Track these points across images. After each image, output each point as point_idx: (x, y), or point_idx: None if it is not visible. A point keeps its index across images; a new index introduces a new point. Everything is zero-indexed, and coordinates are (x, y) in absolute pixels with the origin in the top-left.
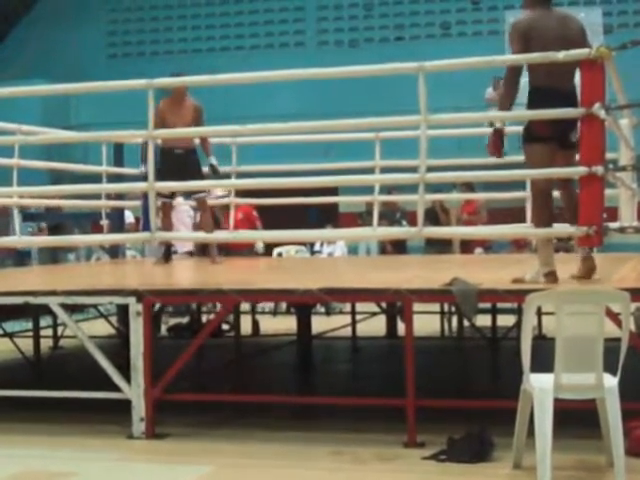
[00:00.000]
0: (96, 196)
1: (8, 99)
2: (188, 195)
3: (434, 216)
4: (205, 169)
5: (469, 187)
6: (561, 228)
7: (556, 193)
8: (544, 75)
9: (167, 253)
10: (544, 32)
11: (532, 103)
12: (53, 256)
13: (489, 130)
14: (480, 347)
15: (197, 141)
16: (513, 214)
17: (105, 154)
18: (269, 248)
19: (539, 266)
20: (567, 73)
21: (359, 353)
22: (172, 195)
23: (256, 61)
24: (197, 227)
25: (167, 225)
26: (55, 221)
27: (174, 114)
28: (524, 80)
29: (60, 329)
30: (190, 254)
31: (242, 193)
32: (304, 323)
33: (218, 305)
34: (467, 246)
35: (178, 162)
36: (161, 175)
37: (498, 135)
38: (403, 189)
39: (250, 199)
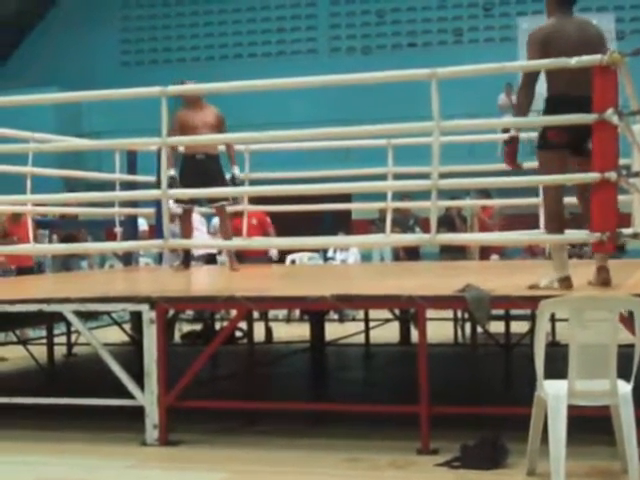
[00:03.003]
0: (109, 204)
1: (21, 107)
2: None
3: (450, 223)
4: (227, 176)
5: (485, 193)
6: (574, 234)
7: (570, 199)
8: (562, 83)
9: (187, 259)
10: (563, 40)
11: (548, 111)
12: (65, 265)
13: (502, 136)
14: (493, 354)
15: (221, 148)
16: (527, 220)
17: (118, 162)
18: (282, 255)
19: (553, 272)
20: (585, 80)
21: (372, 360)
22: (192, 201)
23: (268, 68)
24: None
25: (187, 231)
26: (69, 229)
27: (195, 120)
28: (540, 87)
29: (74, 336)
30: (208, 258)
31: (255, 200)
32: (317, 330)
33: (232, 312)
34: (484, 252)
35: (199, 168)
36: (182, 181)
37: (514, 143)
38: (416, 196)
39: (263, 206)
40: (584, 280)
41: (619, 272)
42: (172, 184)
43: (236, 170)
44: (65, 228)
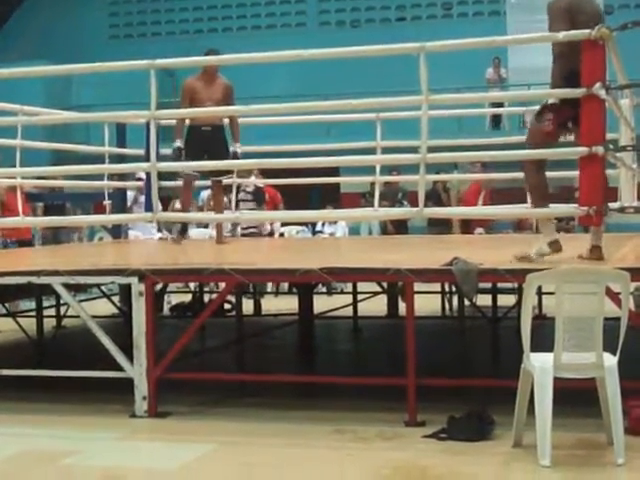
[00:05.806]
0: (98, 176)
1: (10, 80)
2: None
3: (437, 196)
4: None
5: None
6: (562, 208)
7: (556, 173)
8: (577, 58)
9: (183, 230)
10: (585, 10)
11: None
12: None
13: (491, 110)
14: (481, 327)
15: (226, 121)
16: (515, 194)
17: (107, 135)
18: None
19: (543, 238)
20: None
21: (360, 333)
22: (196, 172)
23: (258, 41)
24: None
25: (186, 202)
26: (55, 201)
27: (204, 91)
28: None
29: (63, 309)
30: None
31: (266, 174)
32: (306, 303)
33: (221, 284)
34: (467, 226)
35: (205, 139)
36: (188, 151)
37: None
38: (404, 169)
39: (273, 180)
40: (572, 254)
41: (606, 246)
42: (179, 155)
43: (237, 148)
44: (55, 201)
